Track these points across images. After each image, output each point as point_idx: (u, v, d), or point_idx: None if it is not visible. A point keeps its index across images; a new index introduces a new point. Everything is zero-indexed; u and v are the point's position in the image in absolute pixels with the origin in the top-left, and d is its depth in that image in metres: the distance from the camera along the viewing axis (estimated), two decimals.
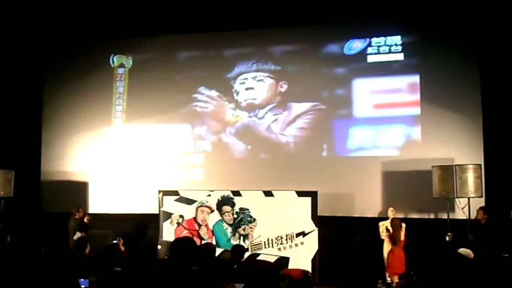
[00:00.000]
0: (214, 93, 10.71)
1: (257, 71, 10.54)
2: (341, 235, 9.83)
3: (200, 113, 10.75)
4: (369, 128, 9.89)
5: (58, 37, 11.45)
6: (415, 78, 9.71)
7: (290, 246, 8.73)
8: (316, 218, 8.66)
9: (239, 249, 6.48)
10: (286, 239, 8.75)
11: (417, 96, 9.66)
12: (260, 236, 8.88)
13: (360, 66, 10.05)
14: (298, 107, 10.25)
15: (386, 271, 8.75)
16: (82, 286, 6.81)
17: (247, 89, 10.54)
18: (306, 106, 10.21)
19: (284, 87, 10.36)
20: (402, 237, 8.66)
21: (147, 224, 9.99)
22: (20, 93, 11.23)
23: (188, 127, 10.77)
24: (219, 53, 10.88)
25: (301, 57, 10.41)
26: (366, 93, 9.97)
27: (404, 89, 9.78)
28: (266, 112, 10.37)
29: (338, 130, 10.06)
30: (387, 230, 8.71)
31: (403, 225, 8.74)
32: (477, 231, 8.29)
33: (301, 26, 10.40)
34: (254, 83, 10.52)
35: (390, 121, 9.80)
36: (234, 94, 10.60)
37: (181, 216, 9.25)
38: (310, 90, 10.24)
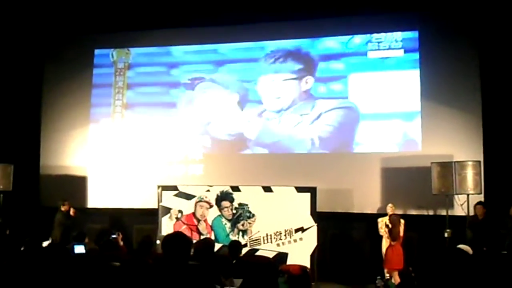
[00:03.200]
0: (215, 88, 10.68)
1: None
2: (340, 231, 9.84)
3: (202, 108, 10.72)
4: (370, 123, 9.87)
5: (57, 31, 11.42)
6: (415, 75, 9.69)
7: (289, 242, 8.73)
8: (315, 214, 8.65)
9: (236, 245, 6.47)
10: (285, 235, 8.74)
11: (417, 92, 9.64)
12: (259, 231, 8.88)
13: (360, 61, 10.03)
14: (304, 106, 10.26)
15: (384, 267, 8.75)
16: (77, 251, 6.86)
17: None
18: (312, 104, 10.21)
19: (308, 83, 10.27)
20: (401, 233, 8.65)
21: (146, 219, 9.97)
22: (19, 87, 11.21)
23: (189, 122, 10.74)
24: (223, 48, 10.79)
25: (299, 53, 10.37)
26: (367, 88, 9.94)
27: (404, 85, 9.76)
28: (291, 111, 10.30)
29: (341, 126, 10.04)
30: (386, 226, 8.70)
31: (402, 221, 8.74)
32: (475, 228, 8.29)
33: (305, 20, 10.36)
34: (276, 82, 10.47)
35: (389, 117, 9.77)
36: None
37: (180, 211, 9.25)
38: (312, 89, 10.22)
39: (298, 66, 10.34)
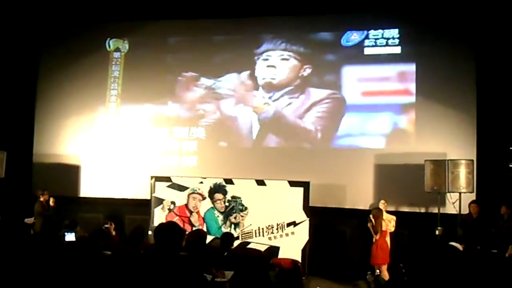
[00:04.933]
0: (210, 79, 10.65)
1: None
2: (332, 226, 9.86)
3: (197, 99, 10.70)
4: (365, 121, 9.86)
5: (54, 19, 11.34)
6: (411, 72, 9.69)
7: (281, 236, 8.75)
8: (308, 209, 8.69)
9: (228, 237, 6.48)
10: (277, 229, 8.77)
11: (412, 90, 9.65)
12: (251, 224, 8.90)
13: (356, 57, 9.99)
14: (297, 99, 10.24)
15: (370, 262, 8.75)
16: (68, 239, 6.87)
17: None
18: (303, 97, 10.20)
19: (306, 71, 10.24)
20: (384, 227, 8.64)
21: (138, 209, 9.96)
22: (14, 74, 11.14)
23: (183, 113, 10.72)
24: (218, 39, 10.76)
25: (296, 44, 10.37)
26: (362, 85, 9.92)
27: (399, 82, 9.76)
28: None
29: (335, 121, 10.03)
30: (370, 220, 8.71)
31: (394, 217, 8.75)
32: (466, 226, 8.33)
33: (296, 16, 10.34)
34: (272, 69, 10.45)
35: (385, 114, 9.76)
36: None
37: (173, 203, 9.27)
38: (309, 79, 10.21)
39: (304, 51, 10.31)
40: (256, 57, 10.47)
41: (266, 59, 10.43)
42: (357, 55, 9.99)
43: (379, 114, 9.79)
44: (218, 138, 10.49)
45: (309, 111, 10.08)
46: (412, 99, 9.64)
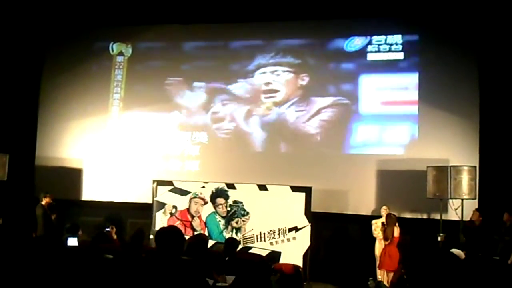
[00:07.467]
0: (213, 84, 10.67)
1: (275, 65, 10.48)
2: (334, 231, 9.85)
3: (200, 104, 10.72)
4: (368, 126, 9.88)
5: (57, 23, 11.38)
6: (414, 78, 9.70)
7: (282, 241, 8.73)
8: (310, 214, 8.67)
9: (233, 242, 6.48)
10: (279, 234, 8.75)
11: (415, 96, 9.65)
12: (252, 229, 8.88)
13: (360, 64, 10.02)
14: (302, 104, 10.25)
15: (377, 268, 8.74)
16: (70, 244, 6.85)
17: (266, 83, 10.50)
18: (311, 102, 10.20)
19: (305, 80, 10.28)
20: (396, 234, 8.61)
21: (140, 213, 9.96)
22: (18, 77, 11.17)
23: (186, 118, 10.73)
24: (222, 45, 10.82)
25: (302, 51, 10.38)
26: (366, 90, 9.94)
27: (402, 88, 9.76)
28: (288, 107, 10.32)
29: (338, 127, 10.04)
30: (383, 225, 8.67)
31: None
32: (469, 233, 8.31)
33: (305, 21, 10.37)
34: (273, 77, 10.47)
35: (387, 120, 9.78)
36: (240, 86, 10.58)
37: (175, 207, 9.26)
38: (311, 87, 10.22)
39: (297, 62, 10.34)
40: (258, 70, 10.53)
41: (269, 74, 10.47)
42: (360, 62, 10.00)
43: (383, 123, 9.80)
44: (221, 143, 10.49)
45: (313, 118, 10.08)
46: (415, 105, 9.64)
